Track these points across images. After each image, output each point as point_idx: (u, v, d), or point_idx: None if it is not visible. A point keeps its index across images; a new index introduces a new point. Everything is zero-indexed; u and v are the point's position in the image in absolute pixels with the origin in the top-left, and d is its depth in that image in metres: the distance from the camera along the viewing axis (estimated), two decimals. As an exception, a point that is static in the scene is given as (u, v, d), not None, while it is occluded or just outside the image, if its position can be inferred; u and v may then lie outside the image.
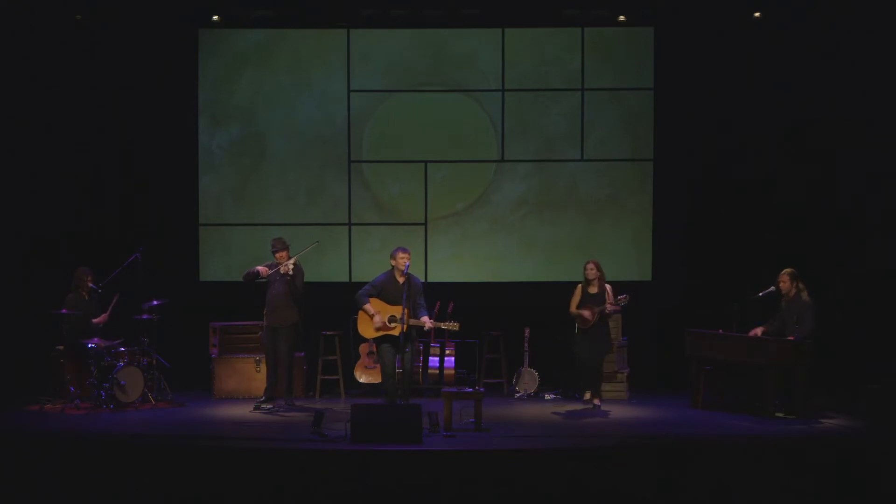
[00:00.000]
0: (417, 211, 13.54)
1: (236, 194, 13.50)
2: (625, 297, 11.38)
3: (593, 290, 11.53)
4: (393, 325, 10.71)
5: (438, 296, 12.18)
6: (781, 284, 11.18)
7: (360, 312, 10.91)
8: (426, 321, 10.75)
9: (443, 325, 10.86)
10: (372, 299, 10.85)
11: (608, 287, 11.55)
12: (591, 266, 11.53)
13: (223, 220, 13.49)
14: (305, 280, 11.65)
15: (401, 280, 10.80)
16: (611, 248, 13.33)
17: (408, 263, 10.83)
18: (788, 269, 11.22)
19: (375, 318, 10.78)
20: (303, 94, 13.46)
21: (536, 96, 13.42)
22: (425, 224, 13.52)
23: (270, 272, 11.50)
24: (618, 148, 13.45)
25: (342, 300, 12.53)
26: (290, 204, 13.50)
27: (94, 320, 11.71)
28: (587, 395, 11.60)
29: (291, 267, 11.37)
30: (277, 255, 11.51)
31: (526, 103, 13.45)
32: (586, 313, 11.40)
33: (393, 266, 10.92)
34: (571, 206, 13.50)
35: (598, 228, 13.46)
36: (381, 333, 10.82)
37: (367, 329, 10.93)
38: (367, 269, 12.78)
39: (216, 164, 13.47)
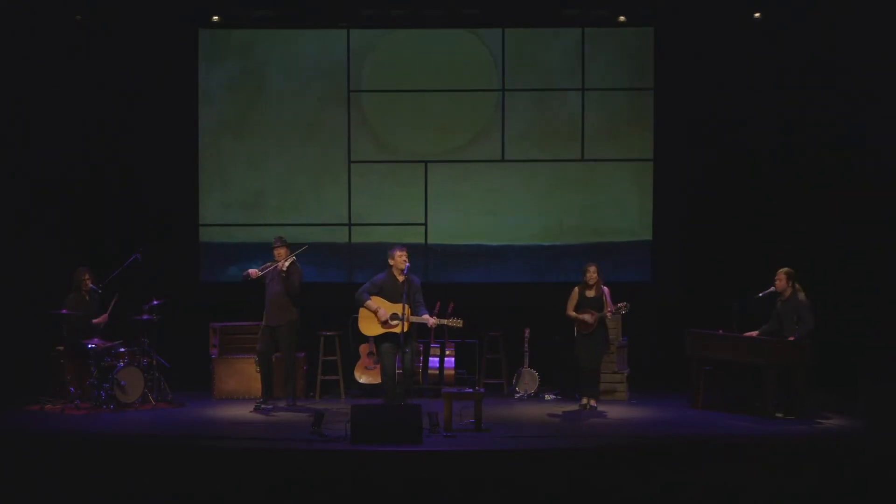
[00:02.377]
0: (417, 147, 13.53)
1: (235, 128, 13.51)
2: (625, 305, 11.38)
3: (591, 293, 11.53)
4: (395, 322, 10.71)
5: (439, 296, 12.17)
6: (777, 283, 11.15)
7: (362, 310, 10.89)
8: (429, 318, 10.74)
9: (446, 322, 10.86)
10: (373, 297, 10.85)
11: (606, 290, 11.55)
12: (592, 270, 11.52)
13: (221, 154, 13.45)
14: (304, 280, 11.64)
15: (400, 279, 10.80)
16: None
17: (408, 264, 10.83)
18: (785, 269, 11.20)
19: (380, 311, 10.76)
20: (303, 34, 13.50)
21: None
22: (425, 164, 13.51)
23: (264, 272, 11.48)
24: (618, 147, 13.49)
25: (342, 300, 12.54)
26: (288, 136, 13.48)
27: (94, 321, 11.71)
28: (584, 400, 11.59)
29: (286, 264, 11.37)
30: (276, 251, 11.51)
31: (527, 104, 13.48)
32: (587, 318, 11.40)
33: (391, 265, 10.91)
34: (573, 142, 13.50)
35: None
36: (383, 331, 10.82)
37: (369, 326, 10.90)
38: (367, 210, 13.21)
39: (216, 99, 13.45)
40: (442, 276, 13.51)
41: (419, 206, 13.55)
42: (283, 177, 13.52)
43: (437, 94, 13.47)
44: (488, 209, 13.54)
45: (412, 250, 13.11)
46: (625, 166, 13.43)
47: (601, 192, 13.48)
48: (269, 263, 11.61)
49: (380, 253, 13.22)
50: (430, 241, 13.55)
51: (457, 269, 13.57)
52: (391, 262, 10.91)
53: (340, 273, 13.55)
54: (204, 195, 13.53)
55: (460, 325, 10.87)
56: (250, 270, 11.57)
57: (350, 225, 13.56)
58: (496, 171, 13.54)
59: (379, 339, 10.91)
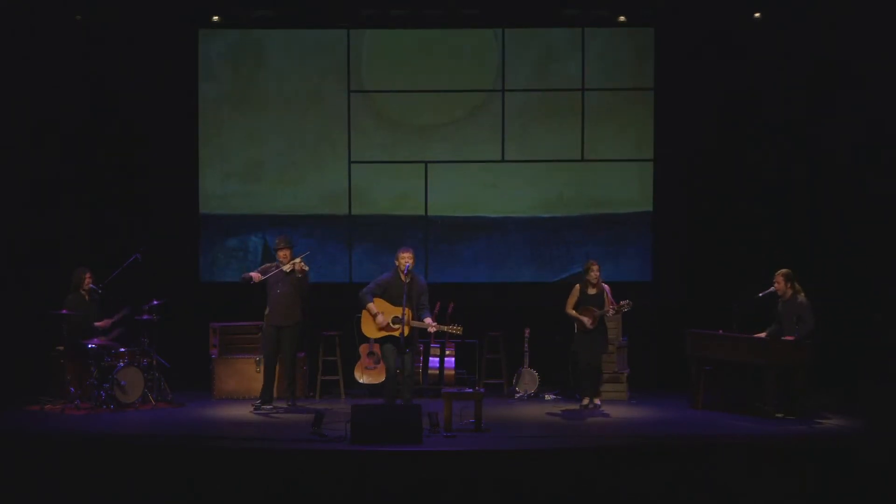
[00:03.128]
0: (417, 119, 13.51)
1: (235, 99, 13.50)
2: (627, 304, 11.38)
3: (593, 291, 11.53)
4: (396, 325, 10.70)
5: (439, 296, 12.17)
6: (776, 286, 11.14)
7: (364, 311, 10.91)
8: (429, 323, 10.75)
9: (446, 328, 10.84)
10: (376, 299, 10.85)
11: (607, 288, 11.55)
12: (595, 268, 11.51)
13: (221, 128, 13.44)
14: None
15: (405, 280, 10.80)
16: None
17: (408, 264, 10.82)
18: (783, 271, 11.18)
19: (378, 317, 10.77)
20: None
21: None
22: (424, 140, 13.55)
23: (268, 275, 11.46)
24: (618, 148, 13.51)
25: (342, 301, 12.56)
26: (288, 108, 13.47)
27: (96, 323, 11.69)
28: (585, 401, 11.59)
29: (300, 264, 11.36)
30: (280, 253, 11.50)
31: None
32: (587, 319, 11.40)
33: (397, 266, 10.92)
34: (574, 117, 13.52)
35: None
36: (383, 334, 10.82)
37: (370, 328, 10.92)
38: (367, 181, 13.31)
39: (216, 72, 13.43)
40: (442, 247, 13.52)
41: (419, 178, 13.51)
42: (282, 148, 13.48)
43: (436, 69, 13.44)
44: (488, 181, 13.51)
45: (411, 222, 13.23)
46: (625, 135, 13.41)
47: (601, 163, 13.46)
48: (271, 264, 11.60)
49: (380, 225, 13.37)
50: (429, 212, 13.53)
51: (457, 242, 13.55)
52: (396, 262, 10.91)
53: (340, 246, 13.50)
54: (204, 167, 13.47)
55: (460, 331, 10.85)
56: (252, 274, 11.54)
57: (350, 195, 13.53)
58: (496, 143, 13.50)
59: (382, 339, 10.92)
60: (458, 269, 13.43)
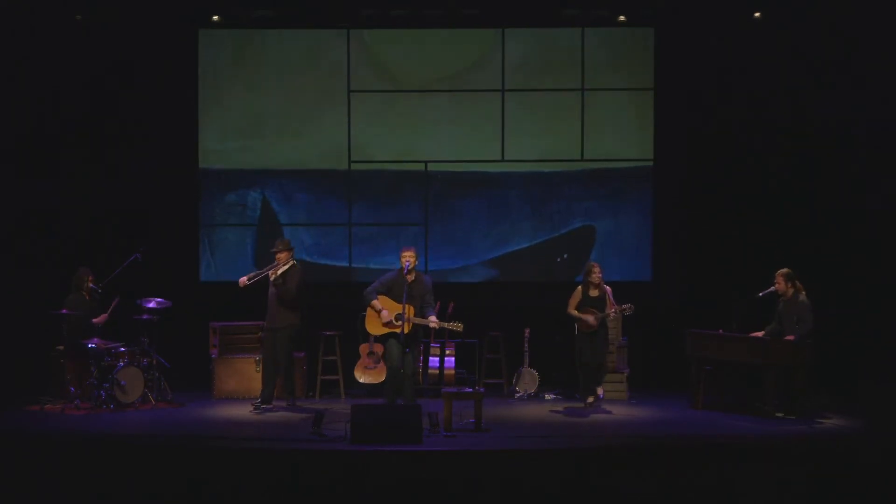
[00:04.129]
0: (415, 77, 13.50)
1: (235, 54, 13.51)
2: (629, 307, 11.39)
3: (594, 293, 11.54)
4: (399, 322, 10.74)
5: (439, 295, 12.15)
6: (776, 286, 11.14)
7: (368, 309, 10.95)
8: (432, 320, 10.76)
9: (447, 325, 10.87)
10: (380, 296, 10.89)
11: (608, 290, 11.55)
12: (596, 269, 11.52)
13: (221, 82, 13.41)
14: (306, 279, 11.65)
15: (409, 279, 10.82)
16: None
17: (408, 263, 10.84)
18: (783, 270, 11.18)
19: (383, 312, 10.81)
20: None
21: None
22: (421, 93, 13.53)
23: (258, 278, 11.43)
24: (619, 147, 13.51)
25: (342, 301, 12.56)
26: (288, 64, 13.47)
27: (94, 320, 11.70)
28: (589, 399, 11.60)
29: (280, 271, 11.34)
30: (278, 255, 11.50)
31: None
32: (590, 318, 11.40)
33: (402, 264, 10.95)
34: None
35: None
36: (387, 330, 10.85)
37: (374, 325, 10.96)
38: (367, 136, 13.36)
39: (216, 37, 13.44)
40: (441, 204, 13.50)
41: (419, 134, 13.51)
42: (282, 104, 13.45)
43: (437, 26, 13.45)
44: (488, 136, 13.51)
45: (412, 178, 13.25)
46: (625, 94, 13.42)
47: (601, 118, 13.44)
48: (269, 267, 11.58)
49: (379, 181, 13.37)
50: (429, 168, 13.51)
51: (457, 198, 13.53)
52: (401, 262, 10.94)
53: (340, 204, 13.50)
54: (203, 122, 13.45)
55: (460, 328, 10.88)
56: (242, 279, 11.49)
57: (349, 149, 13.51)
58: (496, 99, 13.46)
59: (385, 338, 10.96)
60: (458, 223, 13.40)
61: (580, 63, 13.42)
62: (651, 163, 13.41)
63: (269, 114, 13.50)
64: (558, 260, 13.37)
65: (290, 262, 11.48)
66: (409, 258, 10.87)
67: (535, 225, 13.52)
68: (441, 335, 12.47)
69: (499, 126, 13.47)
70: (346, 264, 13.53)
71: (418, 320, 10.74)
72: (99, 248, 12.82)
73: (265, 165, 13.47)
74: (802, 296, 11.05)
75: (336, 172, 13.51)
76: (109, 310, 11.77)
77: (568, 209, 13.47)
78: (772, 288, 11.22)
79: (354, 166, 13.47)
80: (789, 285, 11.09)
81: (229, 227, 13.52)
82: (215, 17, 13.21)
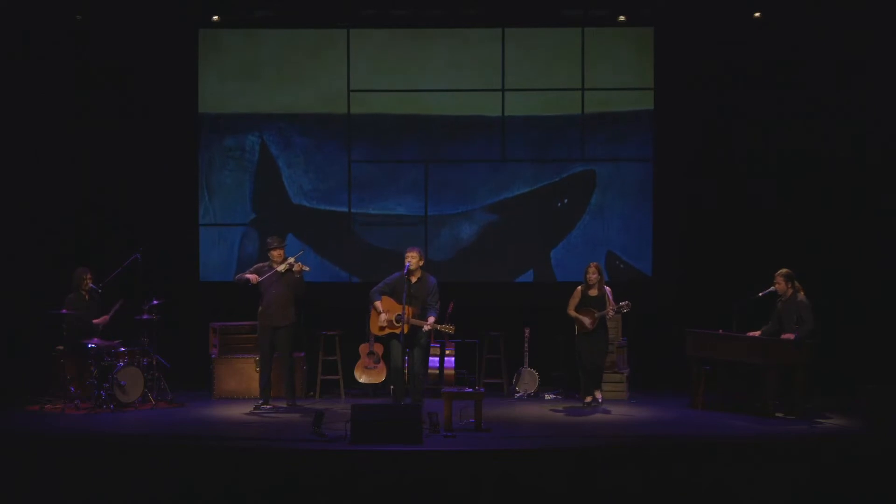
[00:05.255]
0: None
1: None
2: (627, 304, 11.39)
3: (594, 293, 11.54)
4: (399, 323, 10.78)
5: (439, 295, 12.16)
6: (776, 286, 11.14)
7: (372, 309, 11.01)
8: (426, 322, 10.77)
9: (439, 327, 10.88)
10: (384, 297, 10.93)
11: (608, 290, 11.56)
12: (592, 269, 11.52)
13: (219, 29, 13.33)
14: (305, 279, 11.65)
15: (412, 279, 10.83)
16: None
17: (408, 263, 10.86)
18: (783, 270, 11.18)
19: (382, 315, 10.87)
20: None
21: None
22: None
23: (263, 276, 11.44)
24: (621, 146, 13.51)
25: (342, 300, 12.56)
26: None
27: (95, 321, 11.70)
28: (588, 399, 11.60)
29: (297, 265, 11.35)
30: (273, 252, 11.49)
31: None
32: (587, 320, 11.41)
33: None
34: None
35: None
36: (387, 332, 10.88)
37: (376, 326, 11.06)
38: (366, 80, 13.24)
39: None
40: (441, 152, 13.42)
41: (418, 77, 13.43)
42: (280, 46, 13.39)
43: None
44: (488, 80, 13.45)
45: (411, 121, 13.22)
46: (626, 33, 13.37)
47: (601, 60, 13.41)
48: (264, 264, 11.59)
49: (378, 125, 13.30)
50: (429, 112, 13.45)
51: (456, 142, 13.46)
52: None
53: (341, 147, 13.41)
54: (202, 66, 13.40)
55: (452, 331, 10.93)
56: (247, 275, 11.49)
57: (349, 94, 13.46)
58: (496, 40, 13.42)
59: (387, 338, 11.02)
60: (458, 172, 13.35)
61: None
62: (651, 107, 13.38)
63: (268, 57, 13.38)
64: (559, 205, 13.34)
65: (295, 259, 11.44)
66: (411, 259, 10.88)
67: (536, 170, 13.45)
68: (441, 335, 12.47)
69: (499, 69, 13.40)
70: (346, 209, 13.44)
71: (415, 321, 10.76)
72: (99, 248, 12.83)
73: (264, 110, 13.34)
74: (801, 295, 11.05)
75: (335, 117, 13.42)
76: (112, 312, 11.76)
77: (568, 153, 13.41)
78: (771, 288, 11.22)
79: (354, 110, 13.37)
80: (789, 285, 11.09)
81: (226, 172, 13.42)
82: (215, 17, 13.18)
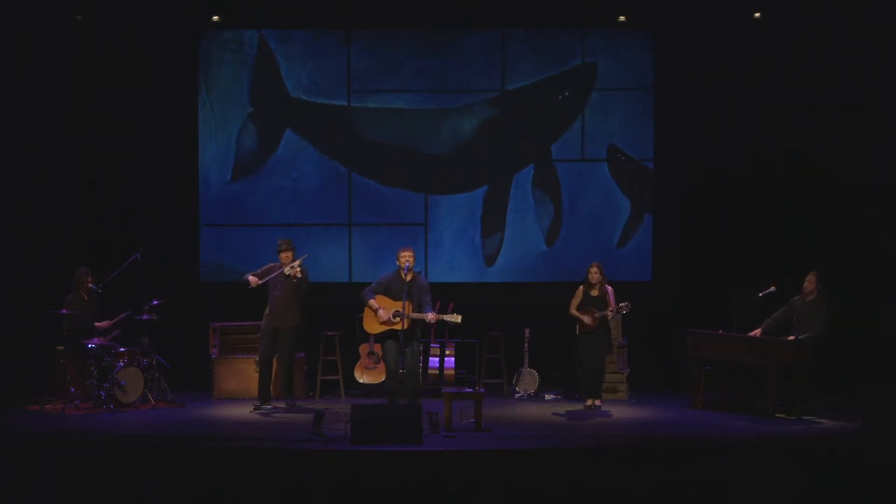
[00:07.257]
0: None
1: None
2: (626, 305, 11.39)
3: (595, 293, 11.54)
4: (397, 319, 10.78)
5: (439, 295, 12.15)
6: (807, 285, 11.21)
7: (366, 308, 10.99)
8: (429, 315, 10.80)
9: (445, 317, 10.90)
10: (378, 296, 10.92)
11: (609, 289, 11.55)
12: (594, 269, 11.52)
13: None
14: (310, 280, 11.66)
15: (406, 278, 10.84)
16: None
17: (408, 263, 10.88)
18: (815, 271, 11.28)
19: (380, 311, 10.88)
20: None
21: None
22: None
23: (267, 277, 11.44)
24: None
25: (342, 301, 12.55)
26: None
27: (97, 324, 11.70)
28: (588, 402, 11.60)
29: (298, 269, 11.36)
30: (282, 255, 11.50)
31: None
32: (587, 319, 11.41)
33: (398, 265, 10.97)
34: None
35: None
36: (385, 328, 10.88)
37: (371, 324, 11.01)
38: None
39: None
40: (439, 42, 13.34)
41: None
42: None
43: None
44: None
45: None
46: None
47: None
48: (273, 265, 11.58)
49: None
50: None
51: (455, 30, 13.36)
52: (398, 261, 10.97)
53: (340, 40, 13.30)
54: None
55: (458, 320, 10.92)
56: (249, 277, 11.48)
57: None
58: None
59: (383, 336, 10.99)
60: (457, 60, 13.29)
61: None
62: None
63: None
64: (559, 98, 13.32)
65: (300, 263, 11.42)
66: (407, 258, 10.91)
67: (535, 64, 13.41)
68: (441, 335, 12.47)
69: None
70: (345, 103, 13.35)
71: (416, 315, 10.79)
72: (99, 248, 12.83)
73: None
74: (824, 300, 11.10)
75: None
76: (115, 320, 11.75)
77: (569, 46, 13.41)
78: (772, 288, 11.24)
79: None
80: (817, 287, 11.17)
81: (224, 64, 13.36)
82: (215, 18, 13.19)
